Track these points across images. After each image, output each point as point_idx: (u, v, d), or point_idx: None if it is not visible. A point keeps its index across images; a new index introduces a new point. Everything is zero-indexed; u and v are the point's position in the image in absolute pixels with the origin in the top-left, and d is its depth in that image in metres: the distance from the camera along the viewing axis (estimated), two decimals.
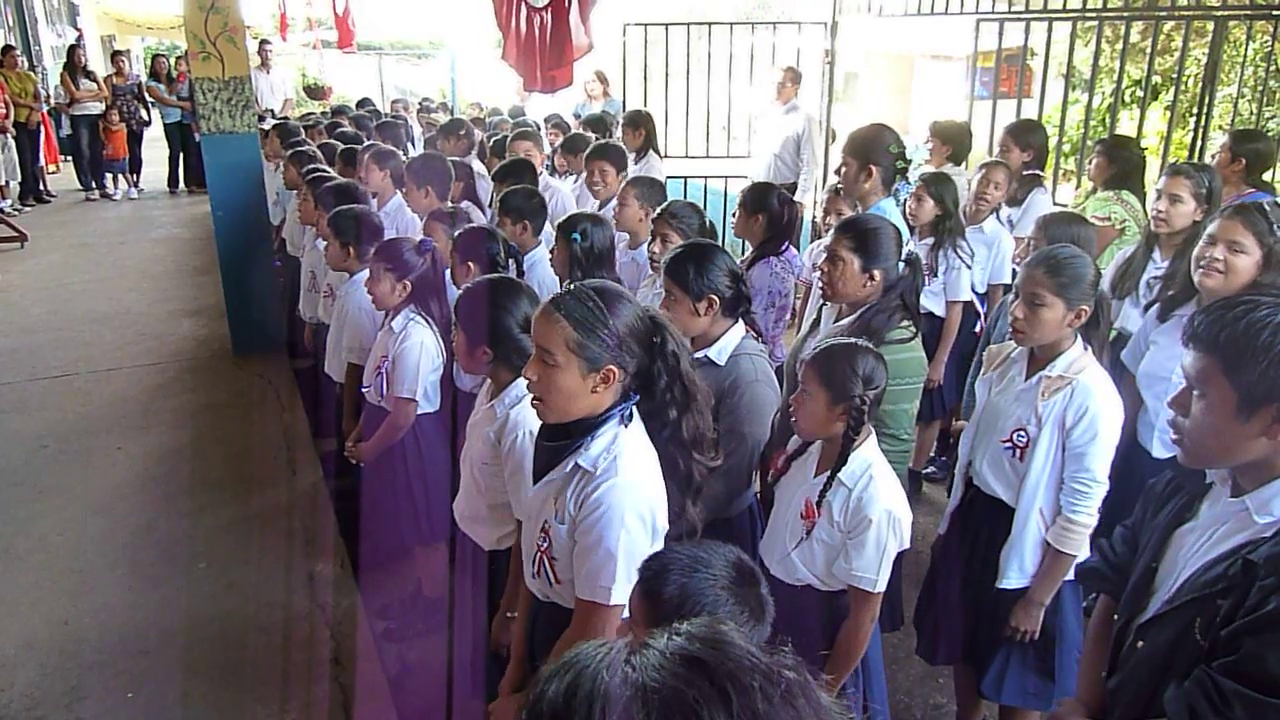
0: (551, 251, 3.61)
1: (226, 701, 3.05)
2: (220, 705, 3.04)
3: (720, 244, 2.83)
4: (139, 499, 4.37)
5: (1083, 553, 2.40)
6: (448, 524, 2.86)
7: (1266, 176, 4.47)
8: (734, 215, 3.97)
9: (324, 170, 4.98)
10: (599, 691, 0.72)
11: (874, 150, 3.38)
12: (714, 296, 2.53)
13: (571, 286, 1.90)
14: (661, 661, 0.73)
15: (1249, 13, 5.85)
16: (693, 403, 1.94)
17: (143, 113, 12.60)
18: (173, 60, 12.96)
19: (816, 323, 3.00)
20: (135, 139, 12.41)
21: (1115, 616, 1.71)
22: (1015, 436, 2.44)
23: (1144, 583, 1.63)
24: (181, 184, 12.82)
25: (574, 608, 1.89)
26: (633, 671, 0.73)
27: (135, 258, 9.09)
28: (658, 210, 3.52)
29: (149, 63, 13.49)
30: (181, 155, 12.64)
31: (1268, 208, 2.67)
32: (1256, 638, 1.34)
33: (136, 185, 12.64)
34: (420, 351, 3.13)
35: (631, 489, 1.82)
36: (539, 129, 6.83)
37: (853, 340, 2.28)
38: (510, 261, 3.25)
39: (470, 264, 3.24)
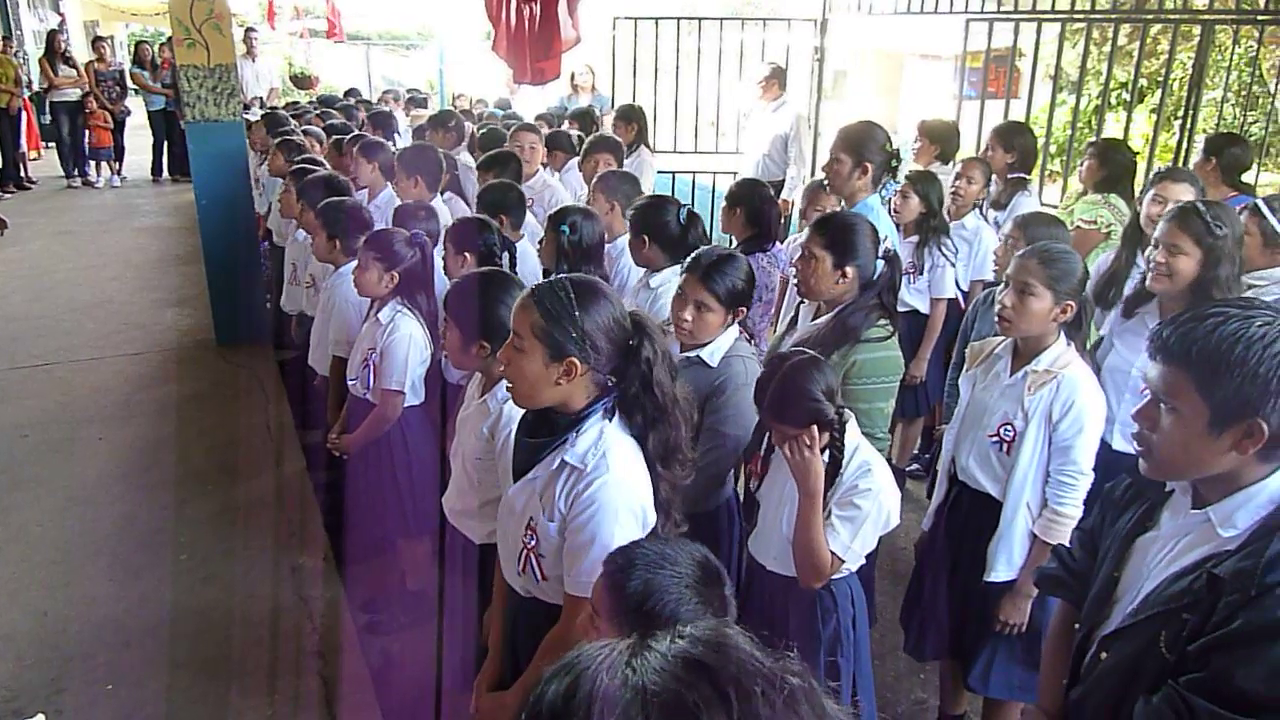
0: (541, 243, 3.61)
1: (208, 694, 3.02)
2: (202, 698, 3.01)
3: (710, 238, 2.84)
4: (120, 490, 4.33)
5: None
6: (433, 517, 2.85)
7: (1248, 178, 4.52)
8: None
9: (312, 161, 4.95)
10: (598, 693, 0.71)
11: (868, 147, 3.39)
12: (743, 308, 2.59)
13: (552, 277, 1.90)
14: (663, 664, 0.72)
15: (1235, 17, 5.90)
16: (666, 416, 1.88)
17: (126, 100, 12.48)
18: (156, 47, 12.82)
19: (794, 320, 3.01)
20: (118, 126, 12.29)
21: (1076, 625, 1.71)
22: (1002, 431, 2.47)
23: (1105, 592, 1.62)
24: (165, 172, 12.70)
25: (563, 603, 1.88)
26: (633, 674, 0.72)
27: (118, 246, 9.00)
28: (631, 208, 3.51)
29: (132, 49, 13.36)
30: (165, 143, 12.53)
31: (1203, 209, 2.72)
32: (1225, 654, 1.34)
33: (119, 173, 12.50)
34: (409, 344, 3.12)
35: (623, 485, 1.82)
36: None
37: (788, 363, 2.19)
38: (505, 253, 3.24)
39: (466, 255, 3.24)
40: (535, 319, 1.80)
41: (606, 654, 0.75)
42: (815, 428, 2.11)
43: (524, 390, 1.86)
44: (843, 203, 3.58)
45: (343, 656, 3.20)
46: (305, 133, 6.52)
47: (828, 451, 2.15)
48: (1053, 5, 6.09)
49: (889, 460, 4.30)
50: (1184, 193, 3.31)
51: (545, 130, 6.74)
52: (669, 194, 4.73)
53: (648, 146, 6.06)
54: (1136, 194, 4.07)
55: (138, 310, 7.01)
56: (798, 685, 0.73)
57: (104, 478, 4.44)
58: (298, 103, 10.58)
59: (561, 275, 1.91)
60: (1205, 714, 1.34)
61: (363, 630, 3.40)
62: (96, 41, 13.04)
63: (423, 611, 3.33)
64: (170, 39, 6.50)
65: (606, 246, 3.91)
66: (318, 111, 8.17)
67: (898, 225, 4.10)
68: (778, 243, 3.97)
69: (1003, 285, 2.52)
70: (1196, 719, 1.35)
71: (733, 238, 4.02)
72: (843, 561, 2.16)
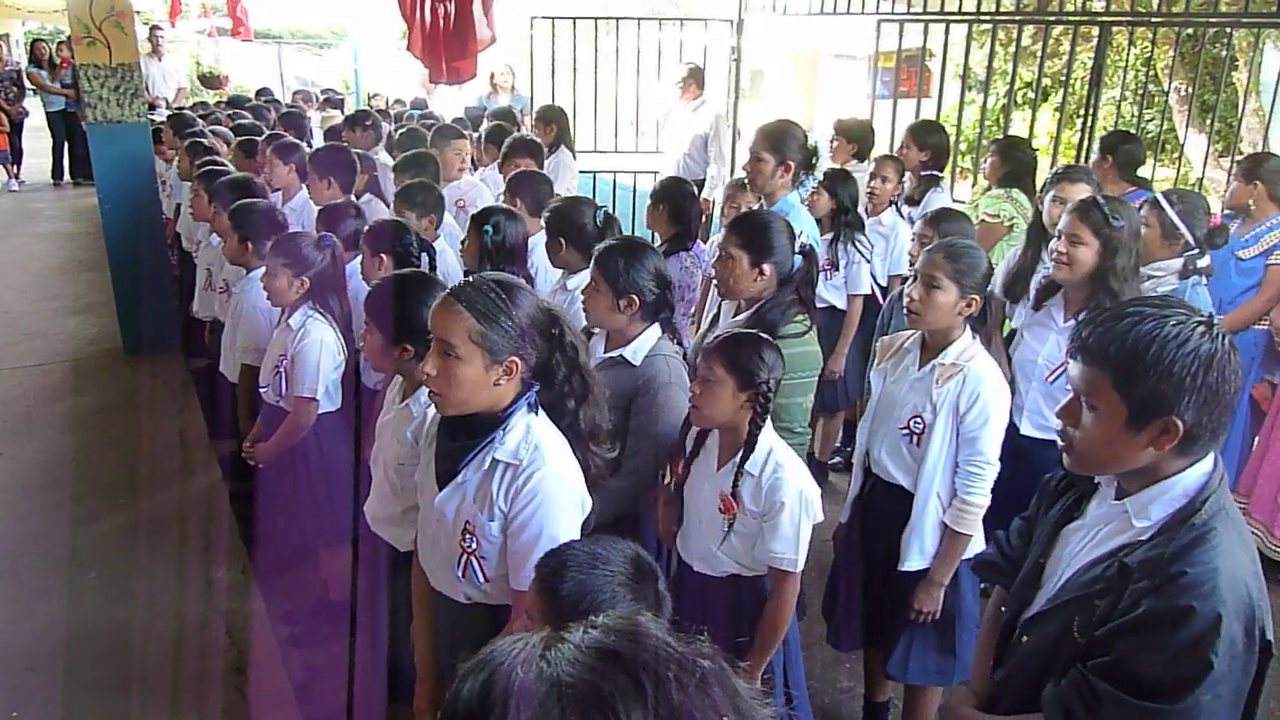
0: (463, 243, 3.58)
1: (119, 716, 2.92)
2: None
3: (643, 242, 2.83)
4: (24, 507, 4.16)
5: (978, 532, 2.51)
6: (352, 525, 2.80)
7: (1145, 173, 4.72)
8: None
9: (218, 163, 4.81)
10: (514, 688, 0.71)
11: (789, 146, 3.46)
12: (636, 296, 2.54)
13: (472, 278, 1.89)
14: (576, 655, 0.73)
15: (1130, 19, 6.15)
16: (590, 394, 1.96)
17: (23, 101, 11.95)
18: (54, 45, 12.31)
19: (716, 318, 3.04)
20: (15, 128, 11.77)
21: (1003, 609, 1.76)
22: (912, 423, 2.52)
23: (1032, 578, 1.67)
24: (66, 175, 12.22)
25: (510, 602, 1.88)
26: (548, 667, 0.72)
27: (16, 253, 8.64)
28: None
29: (29, 48, 12.82)
30: (66, 145, 12.04)
31: (1103, 201, 2.86)
32: (1128, 640, 1.39)
33: (17, 177, 11.99)
34: (320, 349, 3.05)
35: (561, 475, 1.84)
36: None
37: (754, 331, 2.33)
38: (423, 255, 3.20)
39: (382, 257, 3.18)
40: (471, 324, 1.77)
41: (520, 648, 0.75)
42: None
43: (459, 397, 1.82)
44: (762, 200, 3.63)
45: (264, 671, 3.13)
46: (214, 133, 6.34)
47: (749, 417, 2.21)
48: (959, 7, 6.26)
49: (811, 454, 4.41)
50: (1081, 191, 3.43)
51: (471, 132, 6.69)
52: (589, 194, 4.75)
53: (568, 148, 6.04)
54: (1038, 189, 4.21)
55: (39, 319, 6.74)
56: (709, 668, 0.74)
57: (5, 495, 4.26)
58: (205, 103, 10.28)
59: (479, 276, 1.89)
60: (1107, 697, 1.39)
61: (284, 643, 3.32)
62: None
63: (346, 622, 3.27)
64: (69, 37, 6.26)
65: None
66: (227, 112, 7.95)
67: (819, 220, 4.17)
68: (700, 242, 4.01)
69: (910, 279, 2.59)
70: (1099, 701, 1.39)
71: (657, 235, 4.04)
72: (796, 571, 2.22)
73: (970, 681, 1.89)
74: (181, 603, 3.47)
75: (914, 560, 2.54)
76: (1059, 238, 2.90)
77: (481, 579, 1.91)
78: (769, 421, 2.26)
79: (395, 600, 2.52)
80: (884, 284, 4.45)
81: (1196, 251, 3.34)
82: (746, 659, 2.24)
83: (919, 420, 2.50)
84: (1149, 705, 1.36)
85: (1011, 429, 3.01)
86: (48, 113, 11.93)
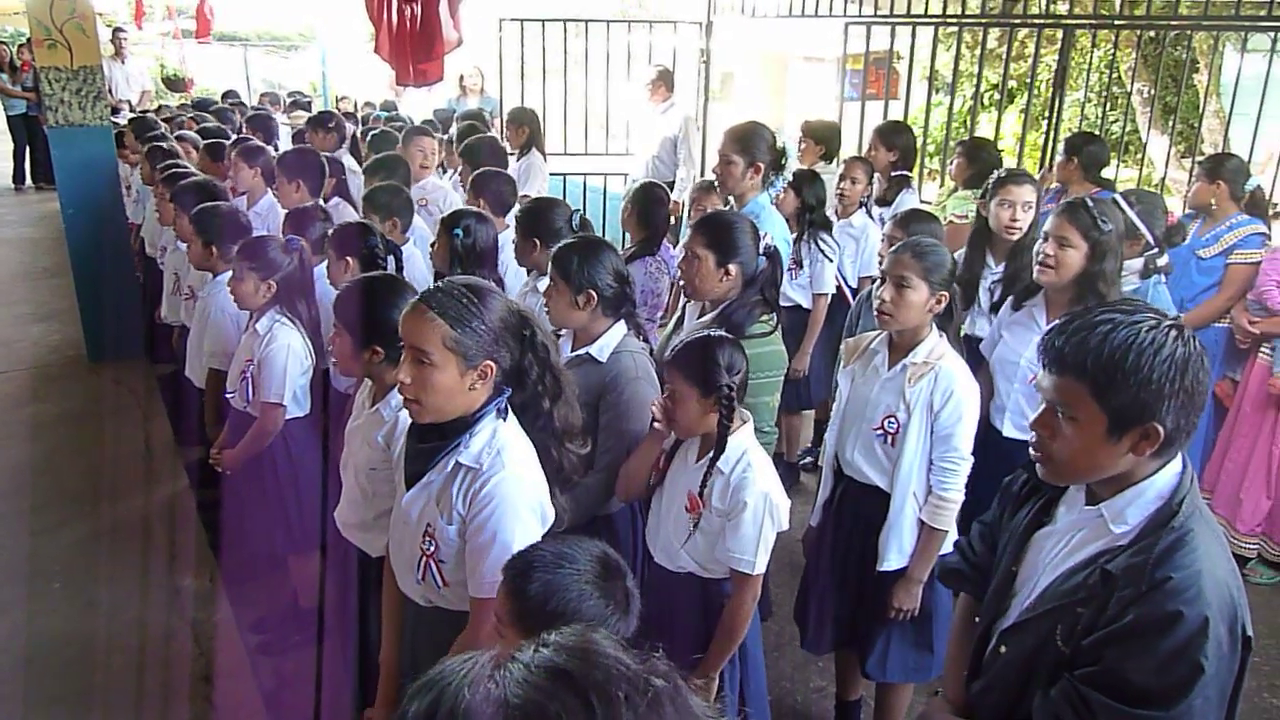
0: (433, 246, 3.56)
1: None
2: None
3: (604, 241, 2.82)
4: None
5: (953, 528, 2.52)
6: (321, 531, 2.78)
7: (1109, 174, 4.78)
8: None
9: (181, 167, 4.75)
10: (460, 709, 0.70)
11: (759, 147, 3.48)
12: (593, 291, 2.53)
13: (441, 283, 1.88)
14: (526, 675, 0.72)
15: (1093, 22, 6.24)
16: (563, 392, 1.98)
17: None
18: (15, 48, 12.12)
19: (681, 320, 3.04)
20: None
21: (976, 618, 1.75)
22: (886, 423, 2.53)
23: (1004, 586, 1.66)
24: (28, 180, 12.02)
25: (470, 608, 1.86)
26: (496, 687, 0.71)
27: None
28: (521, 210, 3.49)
29: None
30: (28, 149, 11.84)
31: (1091, 204, 2.84)
32: (1117, 648, 1.38)
33: None
34: (287, 354, 3.02)
35: (520, 481, 1.83)
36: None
37: (704, 332, 2.31)
38: (390, 257, 3.18)
39: (348, 260, 3.16)
40: (445, 331, 1.77)
41: (469, 667, 0.74)
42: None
43: (435, 404, 1.81)
44: (732, 201, 3.64)
45: (232, 680, 3.09)
46: (179, 138, 6.26)
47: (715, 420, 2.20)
48: (926, 9, 6.32)
49: (780, 454, 4.43)
50: (1029, 194, 3.42)
51: (441, 134, 6.66)
52: (560, 197, 4.74)
53: (540, 150, 6.03)
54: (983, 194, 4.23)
55: (0, 326, 6.62)
56: (662, 687, 0.73)
57: None
58: (168, 106, 10.16)
59: (449, 281, 1.89)
60: (1098, 706, 1.38)
61: (253, 652, 3.28)
62: None
63: (315, 630, 3.24)
64: (30, 39, 6.17)
65: None
66: (192, 115, 7.86)
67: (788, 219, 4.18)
68: (670, 247, 4.02)
69: (879, 281, 2.60)
70: (1091, 710, 1.39)
71: (628, 237, 4.06)
72: (755, 574, 2.20)
73: (944, 691, 1.88)
74: (148, 612, 3.43)
75: (893, 559, 2.55)
76: (1045, 239, 2.86)
77: (440, 582, 1.90)
78: (749, 423, 2.26)
79: (365, 607, 2.51)
80: (854, 285, 4.48)
81: (1156, 251, 3.39)
82: (702, 664, 2.24)
83: (893, 420, 2.51)
84: (1142, 712, 1.35)
85: (994, 431, 3.04)
86: (8, 116, 11.74)
